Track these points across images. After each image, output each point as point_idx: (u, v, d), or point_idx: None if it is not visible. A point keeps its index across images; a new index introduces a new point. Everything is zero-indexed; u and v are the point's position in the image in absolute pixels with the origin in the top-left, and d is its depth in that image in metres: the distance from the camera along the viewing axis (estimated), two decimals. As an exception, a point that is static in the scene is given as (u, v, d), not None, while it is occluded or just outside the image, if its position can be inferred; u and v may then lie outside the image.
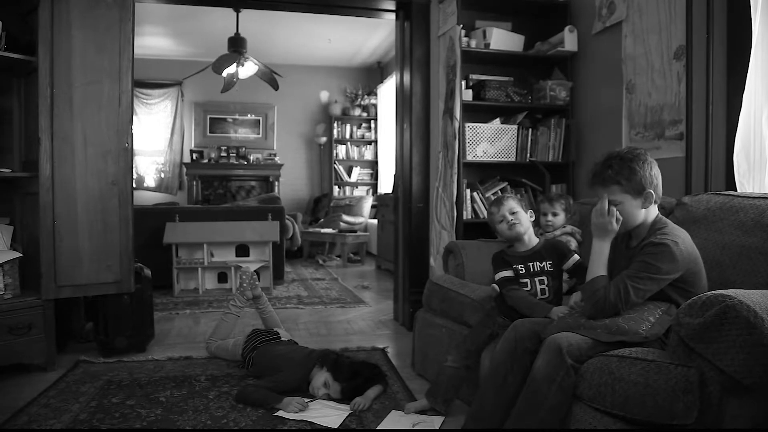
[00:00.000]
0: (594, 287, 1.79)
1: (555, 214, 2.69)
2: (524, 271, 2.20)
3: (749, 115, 2.29)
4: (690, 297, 1.52)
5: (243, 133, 8.76)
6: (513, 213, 2.20)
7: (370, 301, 4.73)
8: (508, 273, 2.21)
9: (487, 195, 3.42)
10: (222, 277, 5.14)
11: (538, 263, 2.19)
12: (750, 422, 1.40)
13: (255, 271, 5.01)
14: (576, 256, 2.19)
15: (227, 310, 3.16)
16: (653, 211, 1.85)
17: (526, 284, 2.19)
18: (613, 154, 1.87)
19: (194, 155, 8.44)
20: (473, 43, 3.42)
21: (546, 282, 2.18)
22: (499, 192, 3.45)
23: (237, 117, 8.71)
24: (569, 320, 1.81)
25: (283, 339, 2.94)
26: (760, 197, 1.94)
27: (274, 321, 3.25)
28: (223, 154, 8.48)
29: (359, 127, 8.94)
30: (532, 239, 2.25)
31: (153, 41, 7.35)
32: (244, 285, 3.17)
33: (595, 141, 3.32)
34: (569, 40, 3.36)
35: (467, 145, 3.33)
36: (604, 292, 1.75)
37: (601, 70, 3.24)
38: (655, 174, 1.82)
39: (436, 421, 2.21)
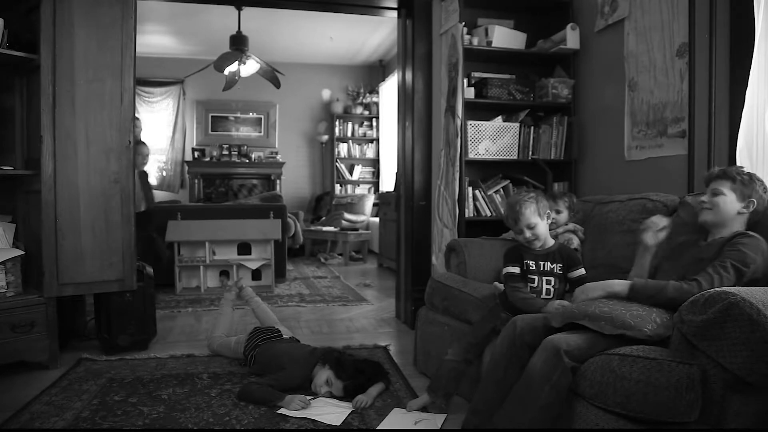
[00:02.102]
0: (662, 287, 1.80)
1: (558, 212, 2.69)
2: (534, 268, 2.19)
3: (752, 112, 2.28)
4: None
5: (245, 132, 8.76)
6: (531, 228, 2.17)
7: (372, 299, 4.73)
8: (515, 269, 2.20)
9: (489, 193, 3.42)
10: (224, 275, 5.14)
11: (549, 263, 2.19)
12: (753, 419, 1.40)
13: (256, 269, 5.04)
14: (582, 270, 2.20)
15: (220, 303, 3.24)
16: (741, 223, 1.91)
17: (533, 281, 2.19)
18: (741, 167, 2.01)
19: (196, 153, 8.44)
20: (475, 41, 3.41)
21: (553, 283, 2.18)
22: (501, 191, 3.45)
23: (239, 115, 8.71)
24: (575, 310, 1.80)
25: (284, 337, 2.94)
26: (763, 195, 1.94)
27: (265, 314, 3.27)
28: (225, 152, 8.48)
29: (361, 125, 8.93)
30: (548, 241, 2.24)
31: (155, 39, 7.35)
32: (227, 282, 3.37)
33: (597, 139, 3.31)
34: (571, 38, 3.35)
35: (469, 143, 3.33)
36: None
37: (603, 67, 3.23)
38: (764, 197, 1.90)
39: (438, 419, 2.21)
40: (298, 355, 2.63)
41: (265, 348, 2.76)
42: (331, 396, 2.46)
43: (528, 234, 2.18)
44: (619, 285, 1.84)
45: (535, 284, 2.19)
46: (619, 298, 1.82)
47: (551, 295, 2.17)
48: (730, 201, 1.89)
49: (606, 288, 1.85)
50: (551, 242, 2.25)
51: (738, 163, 2.31)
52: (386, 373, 2.61)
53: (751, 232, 1.82)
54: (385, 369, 2.66)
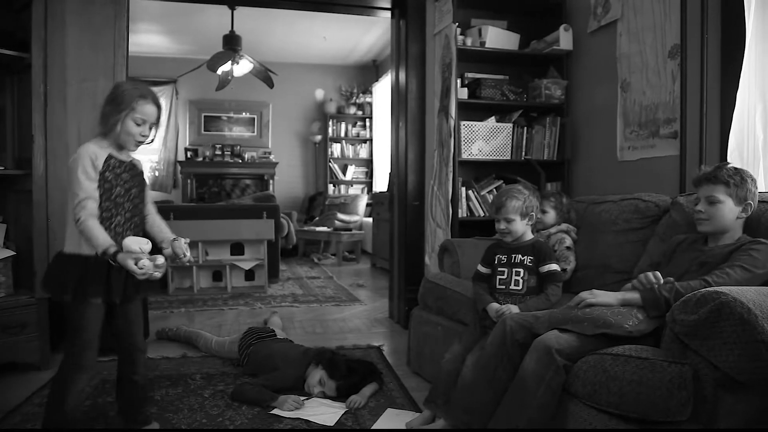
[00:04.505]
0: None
1: (544, 212, 2.69)
2: (505, 261, 2.25)
3: (743, 113, 2.30)
4: None
5: (238, 131, 8.73)
6: (507, 222, 2.22)
7: (365, 300, 4.73)
8: (482, 269, 2.32)
9: (482, 193, 3.43)
10: (217, 276, 5.13)
11: (520, 256, 2.23)
12: (744, 418, 1.41)
13: (249, 269, 5.02)
14: (553, 266, 2.20)
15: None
16: (741, 224, 1.88)
17: (503, 273, 2.23)
18: (727, 163, 1.95)
19: (189, 153, 8.41)
20: (469, 42, 3.42)
21: (522, 274, 2.21)
22: (494, 191, 3.46)
23: (232, 115, 8.69)
24: (558, 314, 1.82)
25: (278, 337, 2.94)
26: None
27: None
28: (218, 152, 8.46)
29: (354, 125, 8.92)
30: (527, 236, 2.27)
31: (147, 38, 7.32)
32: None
33: (590, 139, 3.33)
34: (564, 39, 3.37)
35: (462, 143, 3.33)
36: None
37: (596, 68, 3.24)
38: (756, 194, 1.87)
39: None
40: (291, 356, 2.63)
41: (259, 347, 2.76)
42: (325, 396, 2.45)
43: (503, 226, 2.23)
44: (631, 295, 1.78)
45: (505, 276, 2.23)
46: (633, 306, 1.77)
47: (520, 286, 2.20)
48: (728, 209, 1.84)
49: (617, 296, 1.79)
50: (528, 237, 2.27)
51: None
52: (379, 373, 2.62)
53: (763, 240, 1.78)
54: (379, 369, 2.67)
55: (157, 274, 1.79)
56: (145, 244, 1.80)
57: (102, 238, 1.76)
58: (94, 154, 1.82)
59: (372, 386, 2.50)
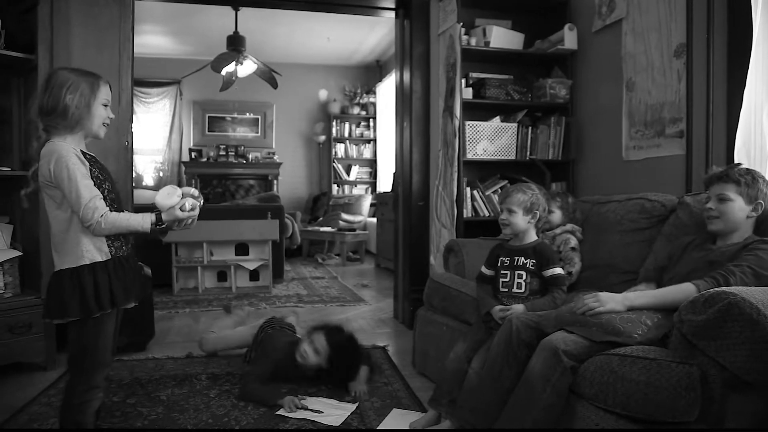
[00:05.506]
0: None
1: (550, 212, 2.68)
2: (507, 263, 2.24)
3: (749, 112, 2.29)
4: None
5: (242, 132, 8.75)
6: (509, 212, 2.22)
7: (369, 300, 4.73)
8: (486, 271, 2.32)
9: (487, 193, 3.42)
10: (221, 276, 5.14)
11: (522, 258, 2.22)
12: (752, 419, 1.40)
13: (254, 270, 5.02)
14: (556, 269, 2.18)
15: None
16: (751, 225, 1.88)
17: (505, 275, 2.23)
18: (739, 164, 1.98)
19: (193, 154, 8.43)
20: (473, 41, 3.42)
21: (524, 277, 2.20)
22: (499, 190, 3.45)
23: (236, 116, 8.70)
24: (567, 316, 1.81)
25: (296, 334, 2.95)
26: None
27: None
28: (222, 152, 8.47)
29: (358, 125, 8.93)
30: (530, 237, 2.26)
31: (152, 40, 7.34)
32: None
33: (595, 139, 3.32)
34: (569, 38, 3.36)
35: (467, 143, 3.33)
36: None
37: (601, 68, 3.24)
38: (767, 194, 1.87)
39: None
40: (279, 345, 2.67)
41: (269, 336, 2.79)
42: (319, 375, 2.53)
43: (504, 215, 2.24)
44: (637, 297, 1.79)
45: (507, 278, 2.23)
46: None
47: (522, 289, 2.19)
48: (738, 207, 1.84)
49: (625, 302, 1.76)
50: (532, 239, 2.26)
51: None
52: (369, 356, 2.72)
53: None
54: (368, 352, 2.79)
55: (202, 201, 1.80)
56: (178, 189, 1.76)
57: (136, 218, 1.69)
58: (73, 149, 1.64)
59: (365, 369, 2.54)
